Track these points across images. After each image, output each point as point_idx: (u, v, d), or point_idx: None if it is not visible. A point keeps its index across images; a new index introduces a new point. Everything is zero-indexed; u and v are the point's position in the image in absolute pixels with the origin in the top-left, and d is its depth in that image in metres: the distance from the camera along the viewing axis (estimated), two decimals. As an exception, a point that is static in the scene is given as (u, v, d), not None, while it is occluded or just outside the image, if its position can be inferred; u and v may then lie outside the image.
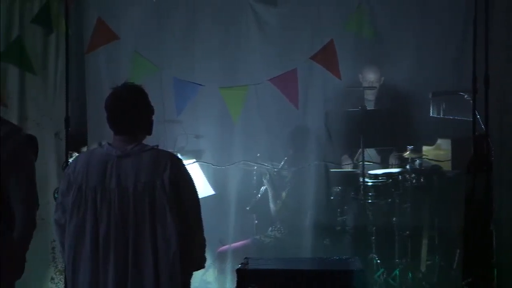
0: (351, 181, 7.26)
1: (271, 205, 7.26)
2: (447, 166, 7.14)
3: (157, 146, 4.51)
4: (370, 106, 7.49)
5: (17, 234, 4.24)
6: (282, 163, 7.19)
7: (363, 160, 7.02)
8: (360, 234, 7.01)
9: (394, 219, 6.99)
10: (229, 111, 6.62)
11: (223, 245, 7.05)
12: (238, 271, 5.20)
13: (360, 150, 7.09)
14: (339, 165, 7.42)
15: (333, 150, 7.22)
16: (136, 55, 6.67)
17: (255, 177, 7.25)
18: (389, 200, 7.05)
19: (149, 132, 4.54)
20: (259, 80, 6.61)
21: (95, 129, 6.68)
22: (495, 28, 6.20)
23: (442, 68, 7.01)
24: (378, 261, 6.89)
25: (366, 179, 7.09)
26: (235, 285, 5.21)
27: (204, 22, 7.03)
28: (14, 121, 6.61)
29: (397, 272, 6.87)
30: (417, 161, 7.13)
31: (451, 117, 6.92)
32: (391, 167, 7.44)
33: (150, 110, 4.50)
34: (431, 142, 7.30)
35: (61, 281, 6.67)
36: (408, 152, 7.11)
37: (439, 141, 7.27)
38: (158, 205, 4.32)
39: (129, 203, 4.32)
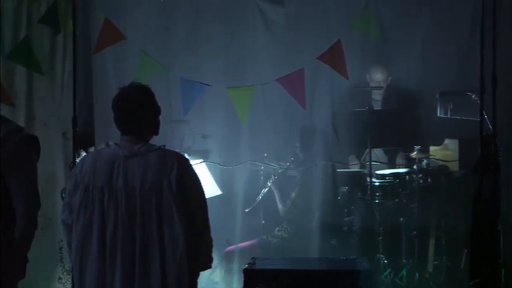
0: (358, 181, 7.24)
1: (279, 205, 7.26)
2: (454, 166, 7.12)
3: (164, 146, 4.52)
4: (377, 106, 7.48)
5: (18, 234, 4.23)
6: (287, 164, 7.19)
7: (370, 160, 7.01)
8: (367, 234, 7.00)
9: (401, 219, 6.98)
10: (236, 111, 6.61)
11: (230, 245, 7.05)
12: (245, 271, 5.19)
13: (367, 150, 7.08)
14: (346, 165, 7.41)
15: (340, 150, 7.21)
16: (143, 55, 6.68)
17: (262, 177, 7.25)
18: (396, 200, 7.04)
19: (156, 132, 4.54)
20: (266, 80, 6.61)
21: (102, 129, 6.69)
22: (502, 27, 6.20)
23: (449, 68, 7.00)
24: (385, 261, 6.87)
25: (373, 179, 7.07)
26: (242, 285, 5.20)
27: (211, 22, 7.03)
28: (22, 121, 6.65)
29: (404, 272, 6.86)
30: (424, 161, 7.11)
31: (459, 117, 6.91)
32: (398, 167, 7.42)
33: (157, 110, 4.51)
34: (438, 142, 7.28)
35: (69, 281, 6.68)
36: (415, 152, 7.09)
37: (446, 141, 7.25)
38: (165, 205, 4.33)
39: (136, 203, 4.33)
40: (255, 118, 6.86)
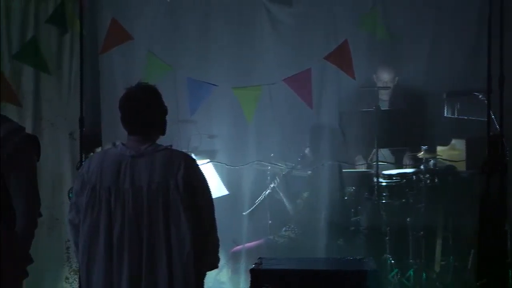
0: (365, 181, 7.24)
1: (288, 205, 7.27)
2: (461, 167, 7.12)
3: (171, 146, 4.52)
4: (384, 106, 7.47)
5: (18, 233, 4.25)
6: (293, 164, 7.19)
7: (377, 160, 7.00)
8: (374, 234, 6.99)
9: (408, 219, 6.97)
10: (243, 111, 6.61)
11: (237, 245, 7.05)
12: (252, 271, 5.20)
13: (374, 150, 7.07)
14: (353, 165, 7.41)
15: (347, 150, 7.20)
16: (150, 55, 6.68)
17: (268, 177, 7.25)
18: (403, 200, 7.03)
19: (162, 132, 4.54)
20: (273, 80, 6.60)
21: (109, 129, 6.68)
22: (510, 27, 6.18)
23: (456, 68, 6.97)
24: (392, 261, 6.86)
25: (380, 179, 7.07)
26: (248, 285, 5.20)
27: (218, 22, 7.02)
28: (29, 121, 6.67)
29: (411, 272, 6.86)
30: (431, 161, 7.10)
31: (466, 117, 6.90)
32: (405, 167, 7.41)
33: (163, 110, 4.51)
34: (445, 142, 7.28)
35: (76, 281, 6.70)
36: (422, 152, 7.08)
37: (453, 141, 7.25)
38: (172, 205, 4.33)
39: (143, 203, 4.33)
40: (262, 118, 6.85)
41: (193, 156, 5.22)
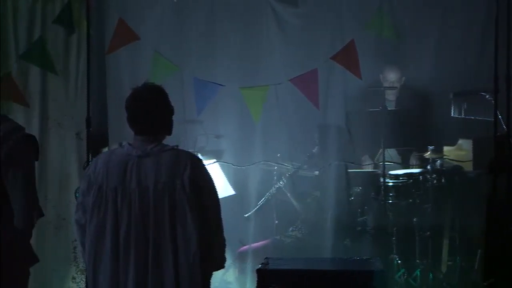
0: (371, 181, 7.24)
1: (297, 205, 7.27)
2: (468, 167, 7.10)
3: (177, 146, 4.52)
4: (390, 106, 7.47)
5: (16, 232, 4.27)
6: (299, 164, 7.20)
7: (384, 160, 7.00)
8: (381, 235, 6.99)
9: (414, 219, 6.96)
10: (250, 111, 6.61)
11: (244, 245, 7.06)
12: (259, 271, 5.20)
13: (381, 150, 7.06)
14: (359, 165, 7.40)
15: (353, 150, 7.20)
16: (156, 55, 6.68)
17: (275, 177, 7.26)
18: (410, 200, 7.03)
19: (169, 132, 4.54)
20: (279, 80, 6.60)
21: (116, 129, 6.70)
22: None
23: (463, 68, 6.97)
24: (399, 261, 6.86)
25: (387, 180, 7.07)
26: (255, 285, 5.21)
27: (224, 22, 7.03)
28: (36, 121, 6.69)
29: (418, 272, 6.85)
30: (438, 162, 7.09)
31: (473, 117, 6.89)
32: (412, 168, 7.41)
33: (170, 110, 4.51)
34: (452, 143, 7.27)
35: (83, 280, 6.71)
36: (429, 153, 7.07)
37: (460, 141, 7.24)
38: (178, 205, 4.33)
39: (149, 203, 4.33)
40: (269, 118, 6.86)
41: (200, 156, 5.23)
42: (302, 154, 7.27)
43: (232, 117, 7.00)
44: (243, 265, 7.00)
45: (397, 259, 6.86)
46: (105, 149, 6.70)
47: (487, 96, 6.36)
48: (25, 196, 4.29)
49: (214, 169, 6.73)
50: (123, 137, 5.98)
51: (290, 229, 7.24)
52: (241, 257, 7.02)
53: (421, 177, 7.06)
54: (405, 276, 6.83)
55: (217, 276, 5.30)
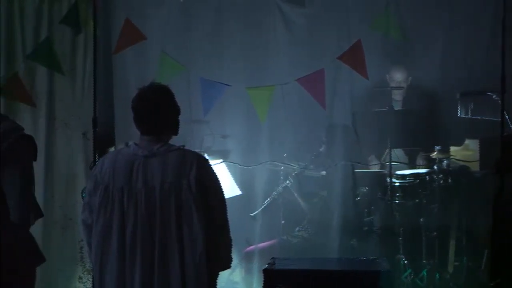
0: (378, 181, 7.24)
1: (304, 205, 7.27)
2: (475, 167, 7.09)
3: (184, 146, 4.52)
4: (397, 106, 7.46)
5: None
6: (305, 164, 7.20)
7: (390, 161, 6.99)
8: (387, 235, 6.99)
9: (421, 219, 6.96)
10: (256, 111, 6.61)
11: (250, 245, 7.06)
12: (265, 271, 5.20)
13: (387, 150, 7.06)
14: (366, 166, 7.40)
15: (360, 150, 7.20)
16: (163, 55, 6.69)
17: (281, 177, 7.25)
18: (417, 200, 7.02)
19: (175, 132, 4.54)
20: (286, 80, 6.60)
21: (123, 129, 6.71)
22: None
23: (470, 68, 6.97)
24: (406, 261, 6.85)
25: (393, 180, 7.06)
26: (262, 285, 5.21)
27: (231, 22, 7.03)
28: (43, 121, 6.71)
29: (425, 272, 6.85)
30: (445, 162, 7.08)
31: (479, 118, 6.88)
32: (419, 168, 7.40)
33: (176, 110, 4.51)
34: (458, 143, 7.26)
35: (89, 280, 6.72)
36: (435, 153, 7.06)
37: (467, 141, 7.23)
38: (184, 205, 4.33)
39: (156, 203, 4.33)
40: (275, 118, 6.85)
41: (206, 156, 5.24)
42: (308, 154, 7.27)
43: (239, 117, 7.00)
44: (249, 265, 7.00)
45: (404, 259, 6.86)
46: (112, 149, 6.72)
47: (494, 96, 6.35)
48: (21, 196, 4.28)
49: (220, 169, 6.73)
50: (129, 137, 6.00)
51: (297, 229, 7.24)
52: (247, 257, 7.02)
53: (427, 177, 7.05)
54: (412, 276, 6.82)
55: (223, 276, 5.31)
